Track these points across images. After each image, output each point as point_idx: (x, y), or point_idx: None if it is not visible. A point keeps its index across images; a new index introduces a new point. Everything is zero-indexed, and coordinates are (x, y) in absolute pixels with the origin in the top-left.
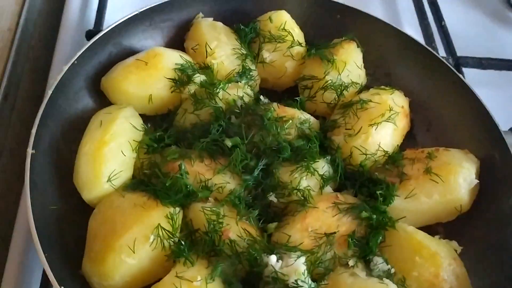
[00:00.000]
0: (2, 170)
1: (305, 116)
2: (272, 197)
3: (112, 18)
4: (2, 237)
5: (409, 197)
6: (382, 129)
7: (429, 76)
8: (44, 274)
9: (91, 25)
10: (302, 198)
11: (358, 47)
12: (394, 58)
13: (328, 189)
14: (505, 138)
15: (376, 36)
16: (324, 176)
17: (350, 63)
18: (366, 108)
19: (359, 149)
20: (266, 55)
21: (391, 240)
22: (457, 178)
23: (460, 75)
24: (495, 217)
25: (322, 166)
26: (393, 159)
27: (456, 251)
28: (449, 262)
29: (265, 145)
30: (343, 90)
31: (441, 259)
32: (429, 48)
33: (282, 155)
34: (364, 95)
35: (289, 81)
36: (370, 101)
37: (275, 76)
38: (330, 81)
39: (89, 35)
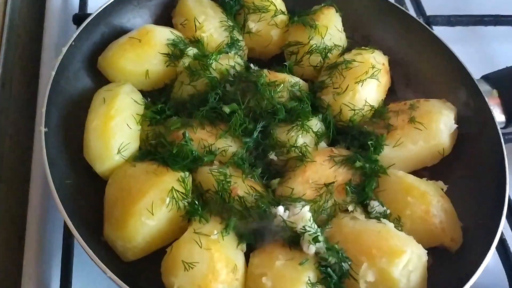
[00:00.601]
0: (6, 155)
1: (294, 79)
2: (272, 156)
3: (96, 1)
4: (16, 217)
5: (397, 145)
6: (367, 85)
7: (404, 35)
8: (65, 243)
9: (75, 9)
10: (300, 154)
11: (337, 12)
12: (371, 20)
13: (323, 144)
14: (478, 86)
15: (351, 1)
16: (318, 133)
17: (331, 27)
18: (350, 68)
19: (347, 106)
20: (252, 25)
21: (384, 185)
22: (439, 124)
23: (433, 31)
24: (473, 157)
25: (315, 124)
26: (379, 113)
27: (442, 189)
28: (438, 199)
29: (261, 109)
30: (327, 52)
31: (430, 197)
32: (403, 8)
33: (277, 116)
34: (347, 56)
35: (275, 49)
36: (354, 60)
37: (262, 45)
38: (314, 45)
39: (77, 18)
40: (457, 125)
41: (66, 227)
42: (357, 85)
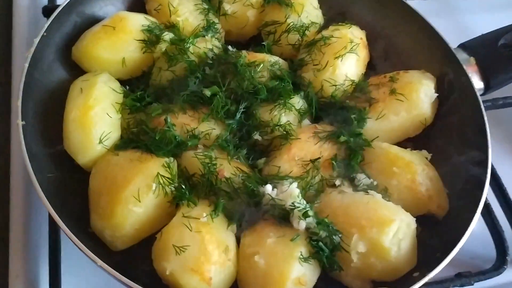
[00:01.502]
0: None
1: (274, 58)
2: (257, 136)
3: None
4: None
5: (380, 117)
6: (347, 60)
7: (379, 9)
8: (52, 238)
9: (44, 1)
10: (284, 132)
11: None
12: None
13: (306, 122)
14: (456, 55)
15: None
16: (300, 111)
17: (307, 5)
18: (329, 44)
19: (328, 82)
20: (227, 7)
21: (369, 158)
22: (419, 94)
23: (408, 3)
24: (455, 125)
25: (298, 102)
26: (360, 87)
27: (426, 158)
28: (423, 167)
29: (242, 90)
30: (305, 30)
31: (415, 166)
32: None
33: (259, 96)
34: (325, 33)
35: (252, 30)
36: (332, 36)
37: (238, 26)
38: (292, 24)
39: (46, 10)
40: (437, 94)
41: (51, 221)
42: (336, 61)
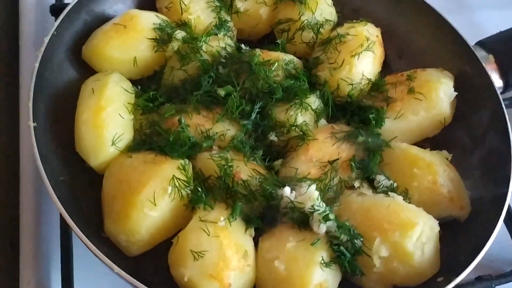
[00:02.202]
0: None
1: (288, 57)
2: (273, 137)
3: None
4: (7, 221)
5: (398, 117)
6: (363, 58)
7: (394, 5)
8: (64, 242)
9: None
10: (301, 133)
11: None
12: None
13: (323, 121)
14: (475, 53)
15: None
16: (317, 110)
17: (321, 2)
18: (344, 42)
19: (345, 80)
20: (240, 4)
21: (389, 159)
22: (438, 93)
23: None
24: (475, 125)
25: (314, 101)
26: (377, 86)
27: (447, 158)
28: (444, 168)
29: (257, 89)
30: (319, 28)
31: (436, 167)
32: None
33: (274, 96)
34: (340, 30)
35: (265, 28)
36: (348, 34)
37: (251, 24)
38: (306, 21)
39: (54, 9)
40: (456, 93)
41: (62, 226)
42: (353, 59)
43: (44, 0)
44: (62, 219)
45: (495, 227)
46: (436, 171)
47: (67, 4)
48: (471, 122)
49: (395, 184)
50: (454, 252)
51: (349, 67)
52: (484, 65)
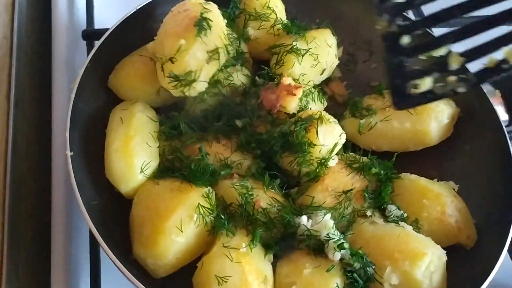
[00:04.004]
0: (25, 177)
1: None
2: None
3: (101, 16)
4: (39, 244)
5: (384, 120)
6: None
7: None
8: (92, 260)
9: (82, 24)
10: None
11: (334, 35)
12: (370, 25)
13: (333, 162)
14: (483, 88)
15: (349, 6)
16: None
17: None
18: None
19: None
20: (251, 32)
21: (399, 189)
22: (430, 114)
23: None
24: (480, 157)
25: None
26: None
27: (454, 189)
28: (451, 199)
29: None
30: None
31: (444, 198)
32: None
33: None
34: None
35: (267, 55)
36: None
37: (258, 50)
38: (295, 45)
39: (86, 34)
40: (447, 120)
41: (93, 248)
42: None
43: (75, 24)
44: (91, 237)
45: (500, 254)
46: (444, 202)
47: (98, 30)
48: (477, 154)
49: (405, 214)
50: (459, 280)
51: None
52: (490, 99)
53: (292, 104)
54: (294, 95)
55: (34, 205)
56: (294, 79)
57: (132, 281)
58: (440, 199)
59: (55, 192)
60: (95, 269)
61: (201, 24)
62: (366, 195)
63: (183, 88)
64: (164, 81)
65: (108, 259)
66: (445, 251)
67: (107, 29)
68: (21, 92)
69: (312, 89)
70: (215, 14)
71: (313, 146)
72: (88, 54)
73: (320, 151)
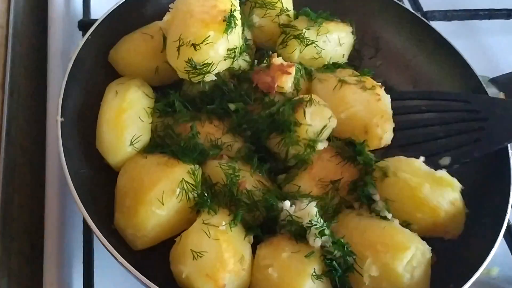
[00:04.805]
0: (19, 164)
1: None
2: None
3: (98, 6)
4: (32, 225)
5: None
6: None
7: (411, 37)
8: (86, 247)
9: (79, 15)
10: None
11: (352, 34)
12: (379, 23)
13: (322, 145)
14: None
15: (361, 4)
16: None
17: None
18: None
19: None
20: (256, 19)
21: (390, 188)
22: None
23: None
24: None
25: (305, 130)
26: None
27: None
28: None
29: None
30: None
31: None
32: (414, 12)
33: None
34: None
35: (272, 44)
36: None
37: (262, 39)
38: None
39: (82, 25)
40: None
41: (86, 237)
42: None
43: (71, 15)
44: (85, 227)
45: (485, 259)
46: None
47: (95, 20)
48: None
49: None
50: (444, 279)
51: None
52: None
53: (288, 83)
54: (289, 73)
55: (28, 195)
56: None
57: (108, 249)
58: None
59: (49, 182)
60: (88, 259)
61: (230, 21)
62: (353, 186)
63: (193, 75)
64: (175, 61)
65: (103, 249)
66: (432, 249)
67: None
68: (16, 82)
69: (299, 65)
70: (239, 13)
71: (299, 125)
72: None
73: (306, 131)
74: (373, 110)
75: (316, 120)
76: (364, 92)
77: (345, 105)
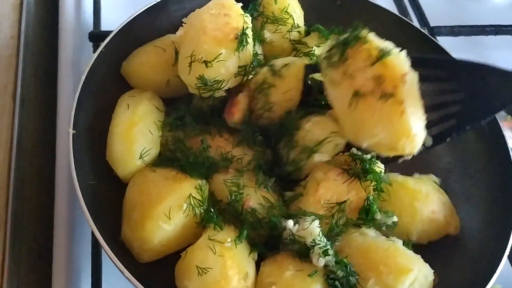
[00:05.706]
0: (29, 173)
1: None
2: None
3: (108, 18)
4: (41, 236)
5: None
6: None
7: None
8: (94, 266)
9: (89, 26)
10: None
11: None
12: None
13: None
14: None
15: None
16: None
17: None
18: None
19: None
20: (267, 35)
21: (388, 195)
22: None
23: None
24: (484, 177)
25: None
26: None
27: (435, 182)
28: (437, 196)
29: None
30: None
31: (432, 196)
32: (420, 29)
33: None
34: None
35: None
36: None
37: (272, 53)
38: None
39: (92, 36)
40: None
41: (95, 249)
42: None
43: (82, 26)
44: (93, 239)
45: (499, 264)
46: (432, 200)
47: (105, 32)
48: (481, 173)
49: (395, 218)
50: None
51: None
52: (500, 124)
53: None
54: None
55: (37, 205)
56: None
57: (114, 262)
58: (429, 198)
59: (59, 192)
60: (96, 270)
61: (242, 39)
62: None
63: (203, 91)
64: (186, 77)
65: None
66: (434, 271)
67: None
68: (27, 92)
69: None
70: (251, 30)
71: (298, 129)
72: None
73: (304, 137)
74: (397, 131)
75: (317, 129)
76: (384, 104)
77: (366, 132)
